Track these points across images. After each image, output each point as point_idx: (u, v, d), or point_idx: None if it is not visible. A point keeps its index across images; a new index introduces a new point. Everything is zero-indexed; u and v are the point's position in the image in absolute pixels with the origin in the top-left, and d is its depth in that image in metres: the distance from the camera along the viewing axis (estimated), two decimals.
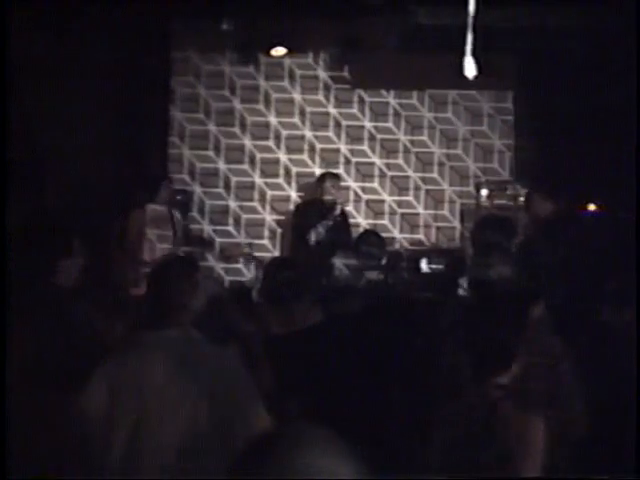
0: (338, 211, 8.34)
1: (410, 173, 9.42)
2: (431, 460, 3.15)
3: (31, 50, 6.99)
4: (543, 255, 7.16)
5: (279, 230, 9.25)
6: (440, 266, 7.91)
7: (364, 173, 9.38)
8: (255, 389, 3.07)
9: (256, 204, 9.31)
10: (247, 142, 9.32)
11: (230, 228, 9.28)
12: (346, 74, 9.27)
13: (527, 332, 3.92)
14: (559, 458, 3.45)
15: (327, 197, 8.35)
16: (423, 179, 9.41)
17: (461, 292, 5.81)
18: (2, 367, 3.06)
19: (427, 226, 9.41)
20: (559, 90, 8.36)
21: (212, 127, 9.27)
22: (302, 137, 9.34)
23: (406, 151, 9.39)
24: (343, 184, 8.93)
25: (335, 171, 8.95)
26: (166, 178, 8.28)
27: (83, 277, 3.97)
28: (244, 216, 9.30)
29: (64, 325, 3.75)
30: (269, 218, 9.32)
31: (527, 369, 3.69)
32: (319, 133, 9.35)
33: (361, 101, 9.36)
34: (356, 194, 9.36)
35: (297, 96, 9.29)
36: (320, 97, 9.32)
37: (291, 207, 9.10)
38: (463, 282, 5.90)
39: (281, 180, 9.34)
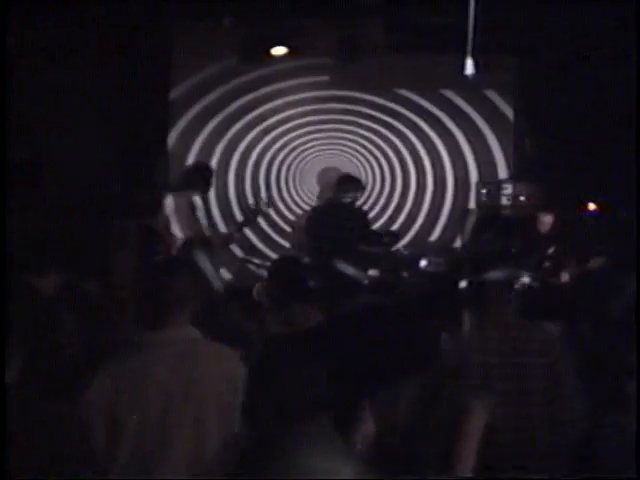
0: (361, 213, 8.42)
1: (411, 174, 9.44)
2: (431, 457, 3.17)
3: (30, 49, 7.00)
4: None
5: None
6: (439, 266, 7.93)
7: (363, 173, 9.39)
8: (257, 389, 3.07)
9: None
10: (247, 139, 9.34)
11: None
12: (344, 74, 9.26)
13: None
14: (560, 458, 3.46)
15: (345, 200, 8.19)
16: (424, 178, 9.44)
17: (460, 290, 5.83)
18: (2, 368, 3.06)
19: (428, 225, 9.44)
20: (559, 90, 8.36)
21: (211, 125, 9.27)
22: (301, 135, 9.35)
23: (407, 151, 9.41)
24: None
25: (354, 174, 8.81)
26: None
27: (83, 278, 3.98)
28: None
29: (64, 325, 3.76)
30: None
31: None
32: (317, 131, 9.37)
33: (360, 100, 9.36)
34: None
35: (296, 96, 9.29)
36: (319, 96, 9.31)
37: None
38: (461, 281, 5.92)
39: (280, 178, 9.38)
